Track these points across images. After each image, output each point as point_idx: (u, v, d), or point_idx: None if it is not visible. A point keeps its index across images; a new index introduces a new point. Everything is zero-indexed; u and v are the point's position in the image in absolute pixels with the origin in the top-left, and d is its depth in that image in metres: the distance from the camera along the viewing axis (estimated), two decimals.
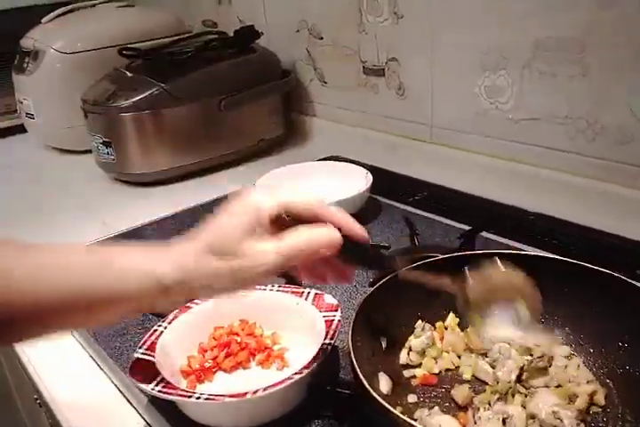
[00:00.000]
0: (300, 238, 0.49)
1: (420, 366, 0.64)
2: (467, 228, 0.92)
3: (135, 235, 1.03)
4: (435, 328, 0.67)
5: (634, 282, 0.60)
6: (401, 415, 0.46)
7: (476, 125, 1.07)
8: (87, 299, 0.47)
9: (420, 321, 0.67)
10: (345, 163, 1.13)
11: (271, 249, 0.48)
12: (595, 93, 0.88)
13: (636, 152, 0.87)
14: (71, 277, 0.46)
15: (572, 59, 0.89)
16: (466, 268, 0.59)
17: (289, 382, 0.56)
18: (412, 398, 0.60)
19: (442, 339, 0.66)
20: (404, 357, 0.64)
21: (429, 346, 0.65)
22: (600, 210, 0.92)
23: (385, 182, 1.11)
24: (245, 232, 0.48)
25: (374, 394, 0.48)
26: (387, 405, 0.47)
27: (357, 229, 0.52)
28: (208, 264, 0.48)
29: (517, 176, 1.02)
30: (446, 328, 0.67)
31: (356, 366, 0.52)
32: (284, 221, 0.51)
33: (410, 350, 0.65)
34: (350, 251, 0.52)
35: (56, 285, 0.46)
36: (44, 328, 0.48)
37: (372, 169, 1.07)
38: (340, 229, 0.51)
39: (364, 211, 1.01)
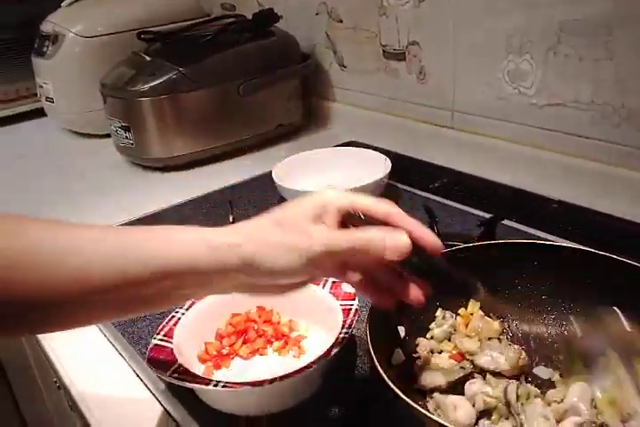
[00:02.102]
0: (357, 233, 0.47)
1: (440, 353, 0.63)
2: (487, 215, 0.90)
3: (155, 219, 1.03)
4: (457, 315, 0.66)
5: None
6: (420, 409, 0.46)
7: (498, 111, 1.05)
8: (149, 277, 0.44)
9: (440, 310, 0.66)
10: (364, 148, 1.12)
11: (329, 234, 0.46)
12: (621, 78, 0.86)
13: None
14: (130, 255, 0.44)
15: (598, 42, 0.86)
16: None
17: (306, 370, 0.55)
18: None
19: (467, 325, 0.65)
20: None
21: (452, 334, 0.64)
22: (625, 198, 0.90)
23: (404, 168, 1.10)
24: (310, 215, 0.47)
25: (392, 386, 0.48)
26: (404, 396, 0.47)
27: (430, 239, 0.47)
28: (273, 232, 0.46)
29: (540, 163, 1.00)
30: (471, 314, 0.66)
31: (374, 355, 0.51)
32: (355, 221, 0.49)
33: (432, 338, 0.64)
34: (421, 265, 0.48)
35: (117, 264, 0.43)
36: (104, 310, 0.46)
37: (392, 155, 1.05)
38: (410, 237, 0.47)
39: (383, 198, 1.00)
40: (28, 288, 0.41)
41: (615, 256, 0.61)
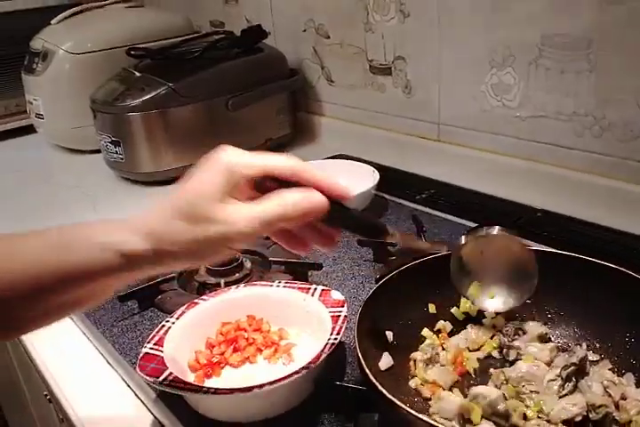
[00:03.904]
0: (280, 203, 0.45)
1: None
2: (473, 225, 0.92)
3: None
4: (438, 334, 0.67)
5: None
6: (410, 410, 0.46)
7: (482, 123, 1.07)
8: (51, 282, 0.44)
9: (425, 330, 0.66)
10: (352, 161, 1.13)
11: (248, 214, 0.44)
12: (602, 89, 0.88)
13: None
14: (30, 262, 0.45)
15: (579, 55, 0.89)
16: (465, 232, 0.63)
17: (296, 376, 0.56)
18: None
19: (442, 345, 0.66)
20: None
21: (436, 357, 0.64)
22: (607, 206, 0.92)
23: (392, 180, 1.11)
24: (218, 194, 0.44)
25: (381, 389, 0.48)
26: (394, 399, 0.47)
27: (341, 190, 0.47)
28: (180, 231, 0.44)
29: (524, 173, 1.02)
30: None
31: (362, 360, 0.52)
32: (265, 186, 0.47)
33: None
34: (336, 214, 0.48)
35: (17, 272, 0.44)
36: (19, 319, 0.47)
37: (379, 167, 1.07)
38: (323, 192, 0.46)
39: (371, 209, 1.02)
40: None
41: (596, 260, 0.63)
